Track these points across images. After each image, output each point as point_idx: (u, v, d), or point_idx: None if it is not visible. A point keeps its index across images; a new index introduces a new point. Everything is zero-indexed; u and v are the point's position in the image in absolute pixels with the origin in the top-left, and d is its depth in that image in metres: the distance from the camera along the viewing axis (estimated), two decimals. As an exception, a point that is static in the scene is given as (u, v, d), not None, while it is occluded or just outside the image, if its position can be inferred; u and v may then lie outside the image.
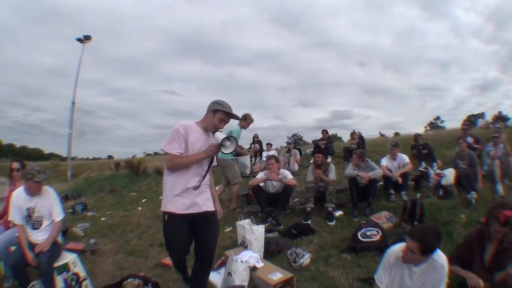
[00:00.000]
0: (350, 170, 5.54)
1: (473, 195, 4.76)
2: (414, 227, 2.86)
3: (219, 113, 2.69)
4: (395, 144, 6.11)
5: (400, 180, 5.56)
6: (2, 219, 3.70)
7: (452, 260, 2.66)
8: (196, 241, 2.77)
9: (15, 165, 3.90)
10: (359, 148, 8.54)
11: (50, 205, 3.30)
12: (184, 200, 2.59)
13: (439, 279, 2.33)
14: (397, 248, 2.47)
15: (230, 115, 2.74)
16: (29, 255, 3.08)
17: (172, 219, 2.61)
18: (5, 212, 3.55)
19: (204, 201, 2.70)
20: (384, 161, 5.90)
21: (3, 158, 33.02)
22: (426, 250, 2.26)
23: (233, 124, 5.55)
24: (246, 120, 5.75)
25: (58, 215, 3.33)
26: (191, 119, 2.77)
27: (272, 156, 5.71)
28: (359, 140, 9.30)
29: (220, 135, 2.68)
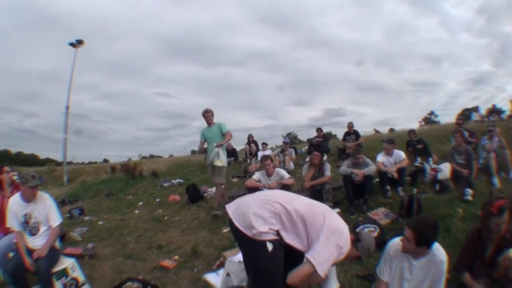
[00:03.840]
0: (344, 168, 5.55)
1: (469, 192, 4.77)
2: (414, 216, 2.85)
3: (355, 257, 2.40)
4: (390, 140, 6.09)
5: (395, 175, 5.54)
6: None
7: (460, 267, 2.68)
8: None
9: (7, 168, 3.86)
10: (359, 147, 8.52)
11: (47, 211, 3.29)
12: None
13: (439, 275, 2.34)
14: (397, 240, 2.48)
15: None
16: (28, 261, 3.07)
17: (277, 246, 2.14)
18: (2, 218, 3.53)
19: None
20: (380, 157, 5.85)
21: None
22: (421, 242, 2.25)
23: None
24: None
25: (55, 220, 3.32)
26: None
27: (267, 157, 5.66)
28: (357, 139, 9.25)
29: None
